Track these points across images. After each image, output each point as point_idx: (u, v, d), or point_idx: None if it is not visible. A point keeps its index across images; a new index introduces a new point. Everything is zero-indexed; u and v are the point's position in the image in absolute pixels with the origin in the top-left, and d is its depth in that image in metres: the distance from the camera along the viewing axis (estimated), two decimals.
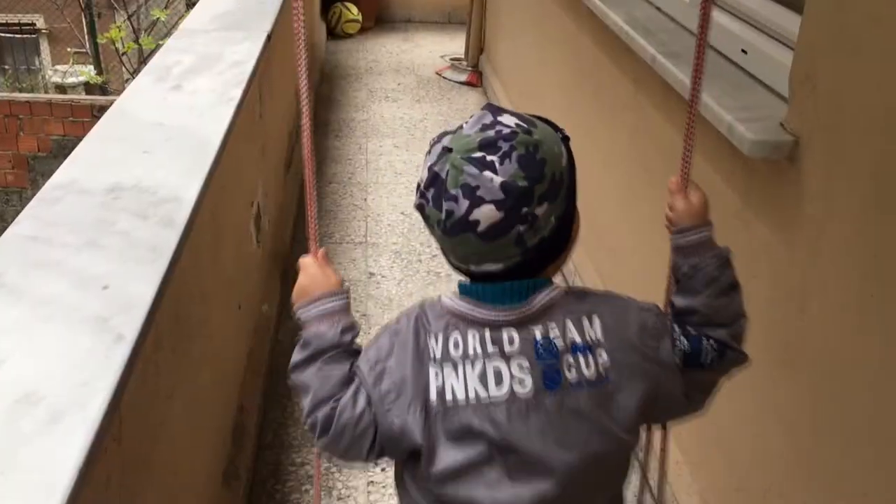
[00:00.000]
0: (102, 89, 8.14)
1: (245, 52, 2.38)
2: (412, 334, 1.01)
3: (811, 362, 1.45)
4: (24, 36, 11.74)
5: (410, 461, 1.03)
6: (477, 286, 1.01)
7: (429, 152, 0.99)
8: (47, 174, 1.54)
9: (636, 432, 1.04)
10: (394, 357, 1.01)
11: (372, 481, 2.17)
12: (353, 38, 6.56)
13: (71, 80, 10.02)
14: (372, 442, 1.02)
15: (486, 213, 0.93)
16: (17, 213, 1.47)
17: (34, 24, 11.83)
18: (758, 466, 1.65)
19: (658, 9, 2.39)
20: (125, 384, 1.09)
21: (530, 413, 0.97)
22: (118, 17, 9.13)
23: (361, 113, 4.93)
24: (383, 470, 2.20)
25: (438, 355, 0.99)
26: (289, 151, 3.58)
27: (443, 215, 0.95)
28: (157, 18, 8.00)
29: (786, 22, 1.71)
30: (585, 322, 1.00)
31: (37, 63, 11.95)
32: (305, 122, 1.20)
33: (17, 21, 11.36)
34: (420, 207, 1.00)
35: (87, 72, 8.56)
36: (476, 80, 5.48)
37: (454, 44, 6.23)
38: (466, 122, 0.99)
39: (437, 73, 5.68)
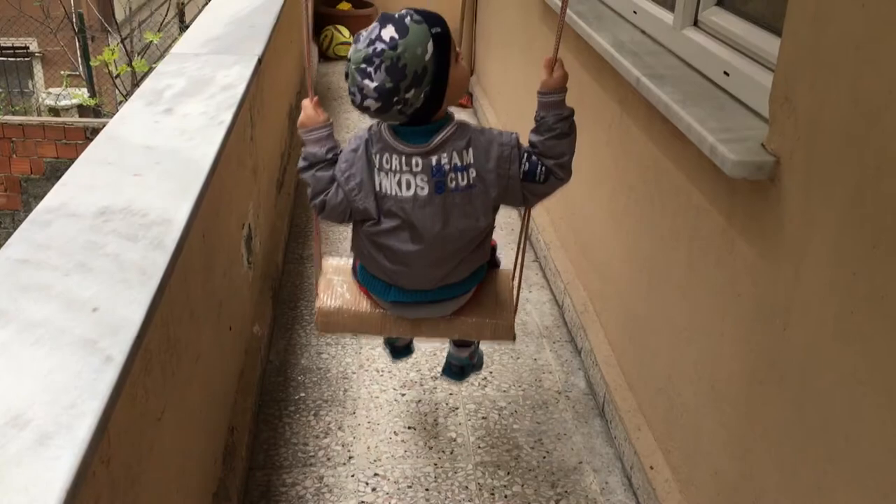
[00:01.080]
0: (96, 112, 8.16)
1: (236, 76, 2.41)
2: (364, 151, 1.65)
3: (795, 378, 1.47)
4: (18, 59, 11.77)
5: (362, 222, 1.71)
6: (399, 127, 1.62)
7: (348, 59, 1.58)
8: (40, 196, 1.55)
9: (490, 219, 1.69)
10: (355, 166, 1.65)
11: (363, 501, 2.17)
12: (345, 60, 6.60)
13: (64, 102, 10.05)
14: (348, 214, 1.70)
15: (371, 103, 1.55)
16: (10, 235, 1.48)
17: (27, 48, 11.86)
18: (745, 483, 1.66)
19: (643, 32, 2.43)
20: (113, 406, 1.09)
21: (426, 206, 1.63)
22: (111, 41, 9.17)
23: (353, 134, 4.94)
24: (374, 490, 2.20)
25: (377, 165, 1.64)
26: (281, 173, 3.60)
27: (355, 99, 1.57)
28: (150, 41, 8.04)
29: (766, 44, 1.74)
30: (464, 152, 1.62)
31: (30, 86, 11.97)
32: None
33: (10, 44, 11.40)
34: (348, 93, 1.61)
35: (80, 94, 8.58)
36: (467, 101, 5.52)
37: None
38: (362, 34, 1.56)
39: None
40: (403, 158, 1.61)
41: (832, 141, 1.35)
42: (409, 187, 1.62)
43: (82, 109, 9.09)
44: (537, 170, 1.64)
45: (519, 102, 4.14)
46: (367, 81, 1.51)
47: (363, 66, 1.52)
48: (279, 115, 3.70)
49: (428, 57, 1.52)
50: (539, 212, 3.27)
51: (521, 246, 1.92)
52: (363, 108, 1.56)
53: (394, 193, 1.63)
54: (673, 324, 2.06)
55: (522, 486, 2.24)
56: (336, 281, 1.97)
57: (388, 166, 1.62)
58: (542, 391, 2.64)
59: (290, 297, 3.14)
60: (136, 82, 7.55)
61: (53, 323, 1.20)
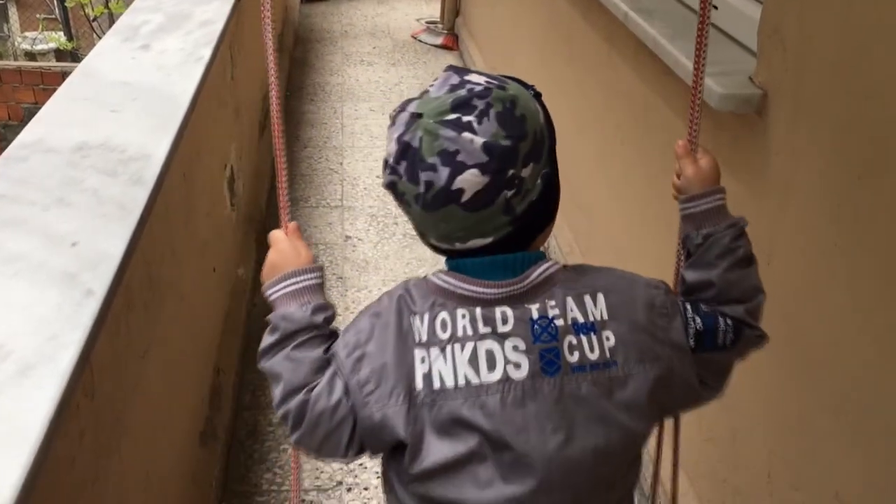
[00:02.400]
0: (73, 56, 8.00)
1: (215, 12, 2.35)
2: (395, 315, 0.91)
3: (778, 311, 1.48)
4: None
5: (395, 458, 0.93)
6: (466, 260, 0.91)
7: (392, 123, 0.89)
8: None
9: (647, 424, 0.93)
10: (374, 341, 0.91)
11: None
12: (327, 1, 6.48)
13: (41, 46, 9.83)
14: (350, 435, 0.93)
15: (471, 180, 0.84)
16: None
17: None
18: (724, 415, 1.69)
19: None
20: (95, 339, 1.09)
21: (527, 401, 0.87)
22: None
23: (336, 77, 4.88)
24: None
25: (424, 338, 0.89)
26: (263, 114, 3.55)
27: (421, 188, 0.86)
28: None
29: None
30: (588, 299, 0.90)
31: (5, 30, 11.69)
32: (273, 90, 1.12)
33: None
34: (391, 185, 0.90)
35: (56, 38, 8.40)
36: (452, 42, 5.44)
37: (430, 7, 6.17)
38: (431, 86, 0.90)
39: (412, 37, 5.63)
40: (479, 312, 0.89)
41: (820, 73, 1.33)
42: (491, 365, 0.88)
43: (59, 53, 8.90)
44: (718, 326, 0.97)
45: (507, 45, 4.08)
46: (466, 135, 0.84)
47: (455, 115, 0.85)
48: (260, 55, 3.63)
49: (542, 119, 0.91)
50: None
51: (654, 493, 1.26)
52: (449, 196, 0.85)
53: (462, 383, 0.88)
54: (658, 261, 2.06)
55: None
56: None
57: (445, 334, 0.89)
58: None
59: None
60: (113, 25, 7.38)
61: (33, 257, 1.18)
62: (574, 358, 0.89)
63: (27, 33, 10.83)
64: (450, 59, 5.23)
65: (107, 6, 7.32)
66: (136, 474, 1.39)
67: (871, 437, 1.23)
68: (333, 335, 0.99)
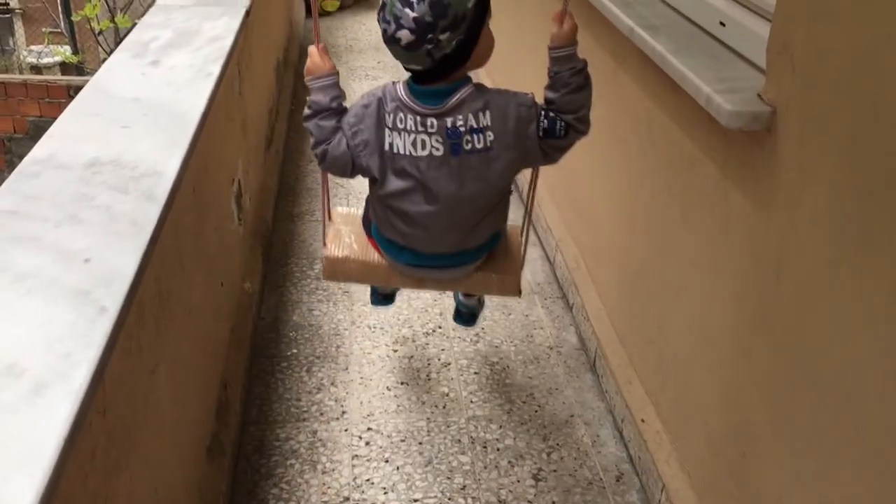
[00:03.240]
0: (78, 69, 8.02)
1: (223, 28, 2.36)
2: (376, 109, 1.61)
3: (787, 328, 1.48)
4: None
5: (373, 183, 1.70)
6: (416, 87, 1.59)
7: None
8: (23, 156, 1.53)
9: (509, 178, 1.67)
10: (364, 122, 1.62)
11: (356, 455, 2.18)
12: (332, 15, 6.51)
13: (46, 60, 9.87)
14: (351, 167, 1.66)
15: (404, 35, 1.49)
16: None
17: (7, 4, 11.62)
18: (734, 432, 1.68)
19: None
20: (109, 356, 1.09)
21: (441, 166, 1.60)
22: None
23: None
24: (367, 444, 2.21)
25: (390, 124, 1.60)
26: (269, 129, 3.56)
27: (381, 30, 1.53)
28: None
29: None
30: (480, 114, 1.58)
31: (11, 44, 11.75)
32: None
33: None
34: (378, 21, 1.55)
35: (62, 52, 8.42)
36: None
37: None
38: None
39: None
40: (418, 119, 1.58)
41: (829, 89, 1.34)
42: (423, 147, 1.59)
43: (65, 67, 8.93)
44: (556, 126, 1.61)
45: (510, 60, 4.09)
46: (407, 10, 1.47)
47: None
48: (267, 71, 3.65)
49: (470, 4, 1.50)
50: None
51: (529, 200, 1.91)
52: (394, 40, 1.51)
53: (408, 153, 1.60)
54: (665, 276, 2.06)
55: (514, 439, 2.26)
56: (345, 231, 1.98)
57: (401, 126, 1.59)
58: (533, 346, 2.65)
59: (280, 255, 3.13)
60: (119, 39, 7.41)
61: (45, 274, 1.19)
62: (469, 147, 1.59)
63: (33, 47, 10.88)
64: None
65: (112, 20, 7.36)
66: (144, 490, 1.39)
67: (884, 453, 1.22)
68: (342, 111, 1.69)
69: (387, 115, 1.60)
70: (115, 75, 1.99)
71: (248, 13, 2.58)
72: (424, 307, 2.80)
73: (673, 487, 1.94)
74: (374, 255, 1.92)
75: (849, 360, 1.30)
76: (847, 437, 1.31)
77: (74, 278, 1.18)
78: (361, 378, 2.47)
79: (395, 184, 1.64)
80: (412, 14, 1.47)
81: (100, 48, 7.84)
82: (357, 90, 4.90)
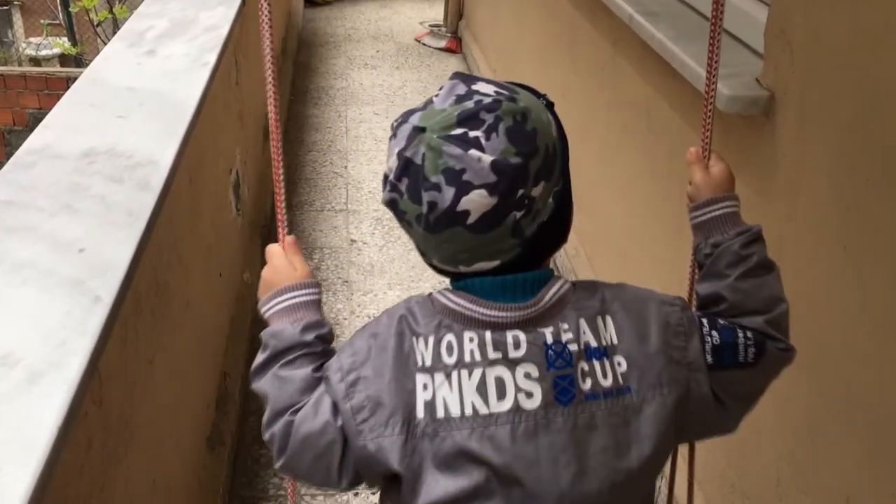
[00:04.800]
0: (77, 61, 8.01)
1: (219, 17, 2.35)
2: (394, 337, 0.85)
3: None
4: None
5: (393, 489, 0.86)
6: (475, 280, 0.85)
7: (394, 135, 0.83)
8: None
9: (664, 453, 0.87)
10: (370, 364, 0.85)
11: None
12: (330, 5, 6.49)
13: (45, 52, 9.84)
14: (340, 461, 0.86)
15: (478, 201, 0.78)
16: None
17: None
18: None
19: None
20: (104, 346, 1.09)
21: (539, 432, 0.82)
22: None
23: (340, 81, 4.89)
24: None
25: (428, 362, 0.83)
26: (267, 120, 3.55)
27: (424, 209, 0.80)
28: None
29: None
30: (600, 322, 0.85)
31: (9, 36, 11.71)
32: (271, 103, 1.07)
33: None
34: (392, 203, 0.84)
35: (61, 43, 8.40)
36: (455, 46, 5.44)
37: (433, 10, 6.18)
38: (436, 96, 0.84)
39: (416, 40, 5.64)
40: (489, 336, 0.83)
41: (827, 74, 1.33)
42: (502, 394, 0.82)
43: (64, 59, 8.91)
44: (738, 340, 0.90)
45: (511, 48, 4.08)
46: (473, 153, 0.78)
47: (461, 129, 0.79)
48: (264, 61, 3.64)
49: (555, 132, 0.87)
50: None
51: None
52: (454, 218, 0.80)
53: (469, 412, 0.82)
54: (665, 263, 2.06)
55: None
56: None
57: (451, 358, 0.83)
58: None
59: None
60: (117, 30, 7.39)
61: (40, 264, 1.18)
62: (587, 385, 0.83)
63: (31, 39, 10.85)
64: (453, 62, 5.23)
65: (111, 11, 7.34)
66: (143, 481, 1.39)
67: (883, 441, 1.22)
68: (327, 353, 0.92)
69: (420, 346, 0.85)
70: (111, 65, 1.98)
71: (244, 2, 2.57)
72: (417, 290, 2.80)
73: (674, 478, 1.94)
74: None
75: (848, 348, 1.30)
76: (846, 424, 1.30)
77: (69, 268, 1.18)
78: None
79: (442, 486, 0.83)
80: (487, 157, 0.78)
81: (98, 39, 7.82)
82: (356, 80, 4.90)
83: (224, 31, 2.24)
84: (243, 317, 2.47)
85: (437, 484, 0.82)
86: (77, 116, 1.69)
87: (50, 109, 1.70)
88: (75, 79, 1.87)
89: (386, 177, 0.84)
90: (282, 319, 0.94)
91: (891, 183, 1.18)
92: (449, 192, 0.79)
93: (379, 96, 4.65)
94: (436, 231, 0.81)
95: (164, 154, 1.53)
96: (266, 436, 0.91)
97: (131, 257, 1.24)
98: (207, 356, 2.02)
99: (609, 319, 0.86)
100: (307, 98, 4.60)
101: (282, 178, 1.06)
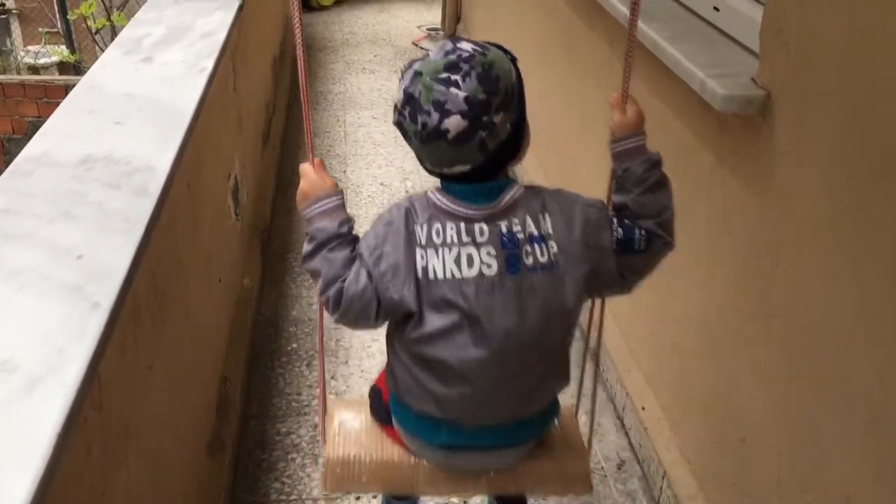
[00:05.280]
0: (76, 69, 8.02)
1: (217, 23, 2.36)
2: (403, 223, 1.22)
3: (785, 313, 1.47)
4: None
5: (400, 328, 1.27)
6: (455, 186, 1.22)
7: (402, 77, 1.19)
8: None
9: (580, 306, 1.25)
10: (389, 243, 1.22)
11: None
12: (328, 9, 6.50)
13: (44, 60, 9.86)
14: (377, 310, 1.24)
15: (454, 123, 1.14)
16: None
17: (4, 5, 11.60)
18: (733, 418, 1.68)
19: None
20: (103, 351, 1.09)
21: (494, 291, 1.21)
22: None
23: (339, 85, 4.89)
24: None
25: (423, 241, 1.21)
26: (266, 124, 3.55)
27: (419, 127, 1.16)
28: None
29: None
30: (540, 217, 1.22)
31: (8, 44, 11.73)
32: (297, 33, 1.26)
33: None
34: (399, 123, 1.20)
35: (59, 51, 8.42)
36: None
37: (431, 14, 6.19)
38: (432, 51, 1.19)
39: (413, 44, 5.64)
40: (463, 226, 1.21)
41: (824, 72, 1.33)
42: (471, 264, 1.20)
43: (62, 67, 8.93)
44: (634, 236, 1.25)
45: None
46: (453, 91, 1.13)
47: (446, 74, 1.14)
48: (263, 66, 3.64)
49: (514, 78, 1.20)
50: (528, 156, 3.23)
51: (585, 357, 1.56)
52: (438, 134, 1.15)
53: (449, 275, 1.20)
54: (662, 264, 2.06)
55: None
56: (349, 423, 1.51)
57: (438, 239, 1.21)
58: None
59: (279, 250, 3.13)
60: (116, 37, 7.39)
61: (38, 270, 1.18)
62: (529, 261, 1.21)
63: (30, 47, 10.87)
64: None
65: (109, 19, 7.35)
66: (143, 487, 1.39)
67: (881, 439, 1.22)
68: (355, 239, 1.29)
69: (418, 229, 1.22)
70: (109, 72, 1.99)
71: (241, 8, 2.58)
72: None
73: (674, 474, 1.94)
74: (392, 451, 1.45)
75: (846, 345, 1.30)
76: (845, 422, 1.30)
77: (67, 274, 1.18)
78: (361, 371, 2.47)
79: (432, 322, 1.22)
80: (461, 93, 1.13)
81: (97, 47, 7.83)
82: (354, 84, 4.90)
83: (221, 36, 2.24)
84: (243, 321, 2.47)
85: (431, 320, 1.22)
86: (75, 123, 1.70)
87: (49, 117, 1.70)
88: (74, 86, 1.88)
89: (395, 105, 1.20)
90: (322, 219, 1.30)
91: (887, 181, 1.18)
92: (435, 116, 1.14)
93: (377, 100, 4.65)
94: (426, 143, 1.17)
95: (162, 160, 1.53)
96: (322, 299, 1.28)
97: (129, 263, 1.24)
98: (207, 361, 2.02)
99: (547, 216, 1.22)
100: None
101: (308, 104, 1.32)
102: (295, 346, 2.59)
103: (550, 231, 1.22)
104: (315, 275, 1.30)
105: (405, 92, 1.17)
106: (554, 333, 1.26)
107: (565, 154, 2.90)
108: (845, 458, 1.31)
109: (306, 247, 1.30)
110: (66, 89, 6.29)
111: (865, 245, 1.24)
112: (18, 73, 9.53)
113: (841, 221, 1.30)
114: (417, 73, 1.16)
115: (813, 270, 1.38)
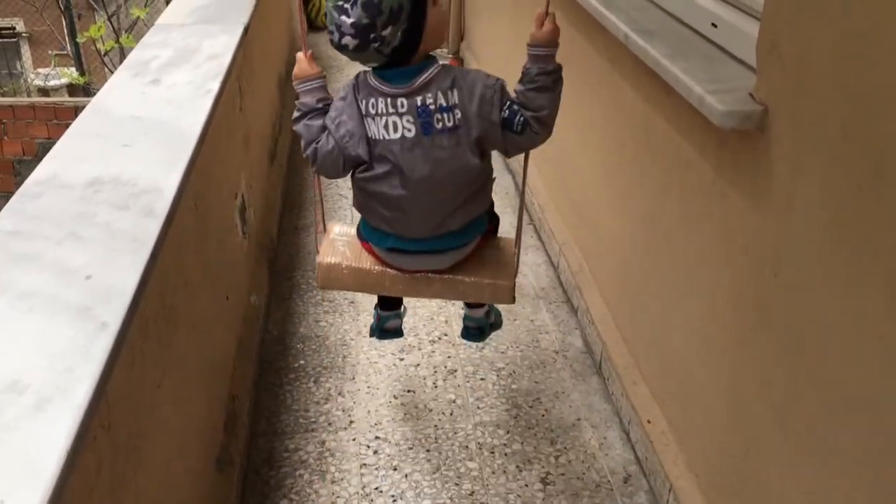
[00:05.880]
0: (85, 90, 8.11)
1: (222, 45, 2.39)
2: (353, 99, 1.67)
3: (785, 323, 1.48)
4: (5, 40, 11.66)
5: (358, 169, 1.72)
6: (381, 71, 1.64)
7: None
8: None
9: (480, 163, 1.67)
10: (344, 113, 1.67)
11: (364, 463, 2.19)
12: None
13: (53, 82, 9.97)
14: (343, 164, 1.70)
15: (348, 40, 1.57)
16: None
17: (14, 28, 11.75)
18: (738, 429, 1.68)
19: None
20: (111, 371, 1.11)
21: (413, 148, 1.64)
22: (98, 18, 9.07)
23: None
24: (375, 453, 2.22)
25: (364, 111, 1.65)
26: (273, 143, 3.59)
27: (333, 41, 1.60)
28: (138, 17, 7.96)
29: None
30: (449, 92, 1.61)
31: (18, 67, 11.87)
32: None
33: None
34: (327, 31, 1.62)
35: (69, 73, 8.51)
36: (456, 64, 5.49)
37: None
38: None
39: None
40: (388, 100, 1.62)
41: (818, 86, 1.34)
42: (395, 129, 1.63)
43: (72, 89, 9.03)
44: (515, 119, 1.63)
45: (511, 67, 4.11)
46: (343, 18, 1.54)
47: (340, 3, 1.54)
48: (269, 86, 3.68)
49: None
50: (532, 174, 3.26)
51: (521, 204, 1.90)
52: (342, 47, 1.58)
53: (382, 137, 1.64)
54: (665, 277, 2.07)
55: (522, 443, 2.27)
56: (338, 240, 2.00)
57: (373, 110, 1.63)
58: (539, 351, 2.66)
59: (285, 268, 3.15)
60: (124, 59, 7.48)
61: (47, 291, 1.20)
62: (440, 126, 1.62)
63: (40, 69, 11.00)
64: None
65: (117, 41, 7.44)
66: (152, 503, 1.40)
67: (884, 447, 1.22)
68: (327, 110, 1.73)
69: (362, 103, 1.64)
70: (116, 95, 2.02)
71: (246, 30, 2.61)
72: (430, 315, 2.81)
73: (680, 487, 1.94)
74: (366, 261, 1.94)
75: (847, 355, 1.30)
76: (848, 432, 1.31)
77: (76, 295, 1.20)
78: (368, 387, 2.49)
79: (375, 169, 1.68)
80: (349, 20, 1.54)
81: (105, 69, 7.91)
82: None
83: (227, 58, 2.28)
84: (251, 339, 2.49)
85: (375, 167, 1.69)
86: (83, 146, 1.72)
87: (58, 139, 1.73)
88: (84, 108, 1.91)
89: None
90: (307, 95, 1.75)
91: (884, 191, 1.19)
92: (336, 36, 1.58)
93: None
94: (341, 52, 1.61)
95: (169, 181, 1.56)
96: (305, 154, 1.75)
97: (137, 283, 1.26)
98: (215, 378, 2.04)
99: (455, 91, 1.62)
100: None
101: (304, 20, 1.90)
102: (302, 362, 2.60)
103: (456, 102, 1.61)
104: (300, 135, 1.75)
105: (327, 14, 1.61)
106: (461, 177, 1.68)
107: (565, 168, 2.92)
108: (850, 467, 1.31)
109: (294, 114, 1.76)
110: (76, 111, 6.37)
111: (864, 254, 1.25)
112: (29, 96, 9.64)
113: (839, 231, 1.31)
114: (329, 4, 1.59)
115: (813, 280, 1.39)
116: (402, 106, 1.61)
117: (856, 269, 1.27)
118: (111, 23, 8.10)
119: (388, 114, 1.63)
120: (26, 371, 1.05)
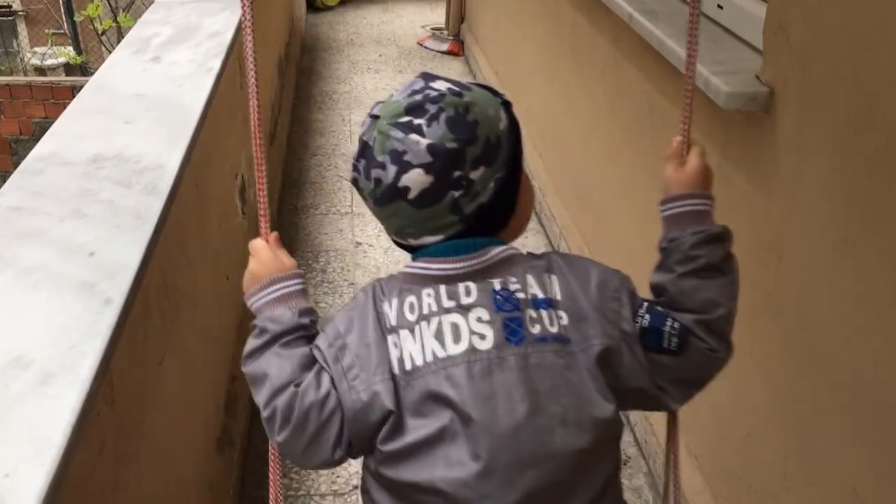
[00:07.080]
0: (82, 70, 8.06)
1: (223, 23, 2.37)
2: (371, 305, 0.94)
3: (789, 309, 1.48)
4: (1, 18, 11.57)
5: (372, 453, 0.93)
6: (430, 247, 0.95)
7: (363, 124, 0.96)
8: None
9: (611, 399, 0.90)
10: (354, 331, 0.93)
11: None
12: (333, 10, 6.51)
13: (50, 61, 9.90)
14: (339, 431, 0.92)
15: (416, 178, 0.89)
16: None
17: (10, 6, 11.66)
18: (739, 414, 1.69)
19: None
20: (115, 348, 1.10)
21: (493, 371, 0.88)
22: None
23: (344, 85, 4.91)
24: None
25: (394, 322, 0.92)
26: (272, 124, 3.57)
27: (372, 184, 0.92)
28: None
29: None
30: (545, 277, 0.93)
31: (15, 46, 11.79)
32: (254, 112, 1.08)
33: None
34: (354, 181, 0.97)
35: (66, 52, 8.46)
36: (458, 49, 5.46)
37: (435, 13, 6.20)
38: (397, 90, 0.96)
39: (418, 44, 5.66)
40: (444, 288, 0.92)
41: (826, 68, 1.34)
42: (457, 336, 0.89)
43: (69, 68, 8.97)
44: (664, 326, 0.94)
45: (512, 49, 4.09)
46: (413, 136, 0.89)
47: (407, 117, 0.90)
48: (268, 65, 3.66)
49: (502, 126, 0.94)
50: (531, 156, 3.25)
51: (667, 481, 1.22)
52: (396, 193, 0.90)
53: (430, 357, 0.89)
54: None
55: None
56: None
57: (413, 315, 0.91)
58: None
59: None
60: (122, 38, 7.43)
61: (51, 268, 1.20)
62: (536, 329, 0.90)
63: (36, 48, 10.92)
64: (456, 65, 5.25)
65: (115, 20, 7.39)
66: (154, 481, 1.40)
67: (887, 432, 1.23)
68: (317, 333, 1.00)
69: (387, 309, 0.93)
70: (117, 72, 2.01)
71: None
72: None
73: (680, 470, 1.95)
74: None
75: (851, 341, 1.30)
76: (850, 418, 1.31)
77: (79, 271, 1.20)
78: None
79: (415, 429, 0.89)
80: (425, 141, 0.89)
81: (103, 48, 7.86)
82: (359, 84, 4.92)
83: (228, 36, 2.26)
84: (250, 320, 2.48)
85: (412, 428, 0.89)
86: (84, 123, 1.71)
87: (56, 118, 1.72)
88: (81, 87, 1.89)
89: (353, 159, 0.97)
90: (276, 307, 1.02)
91: (891, 174, 1.19)
92: (392, 170, 0.90)
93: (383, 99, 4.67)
94: (382, 204, 0.93)
95: (171, 159, 1.55)
96: (266, 413, 0.96)
97: (140, 260, 1.25)
98: (216, 358, 2.04)
99: (555, 278, 0.93)
100: (311, 102, 4.62)
101: (264, 177, 1.11)
102: None
103: (559, 297, 0.91)
104: (259, 380, 0.97)
105: (360, 140, 0.94)
106: (583, 437, 0.89)
107: (566, 150, 2.91)
108: (851, 450, 1.32)
109: (251, 343, 1.01)
110: (73, 90, 6.34)
111: (870, 239, 1.25)
112: (25, 75, 9.58)
113: (845, 216, 1.30)
114: (374, 118, 0.93)
115: (818, 265, 1.39)
116: (468, 293, 0.91)
117: (861, 254, 1.27)
118: (109, 1, 8.04)
119: (443, 310, 0.91)
120: (31, 346, 1.04)
